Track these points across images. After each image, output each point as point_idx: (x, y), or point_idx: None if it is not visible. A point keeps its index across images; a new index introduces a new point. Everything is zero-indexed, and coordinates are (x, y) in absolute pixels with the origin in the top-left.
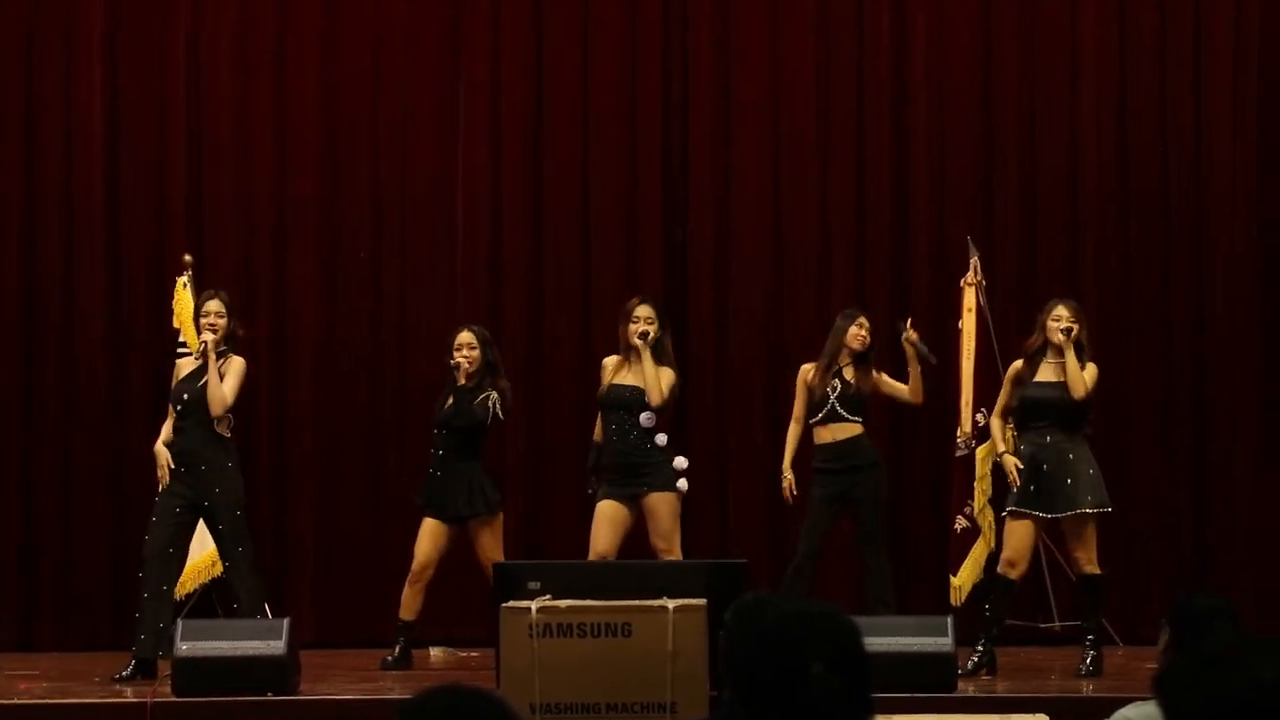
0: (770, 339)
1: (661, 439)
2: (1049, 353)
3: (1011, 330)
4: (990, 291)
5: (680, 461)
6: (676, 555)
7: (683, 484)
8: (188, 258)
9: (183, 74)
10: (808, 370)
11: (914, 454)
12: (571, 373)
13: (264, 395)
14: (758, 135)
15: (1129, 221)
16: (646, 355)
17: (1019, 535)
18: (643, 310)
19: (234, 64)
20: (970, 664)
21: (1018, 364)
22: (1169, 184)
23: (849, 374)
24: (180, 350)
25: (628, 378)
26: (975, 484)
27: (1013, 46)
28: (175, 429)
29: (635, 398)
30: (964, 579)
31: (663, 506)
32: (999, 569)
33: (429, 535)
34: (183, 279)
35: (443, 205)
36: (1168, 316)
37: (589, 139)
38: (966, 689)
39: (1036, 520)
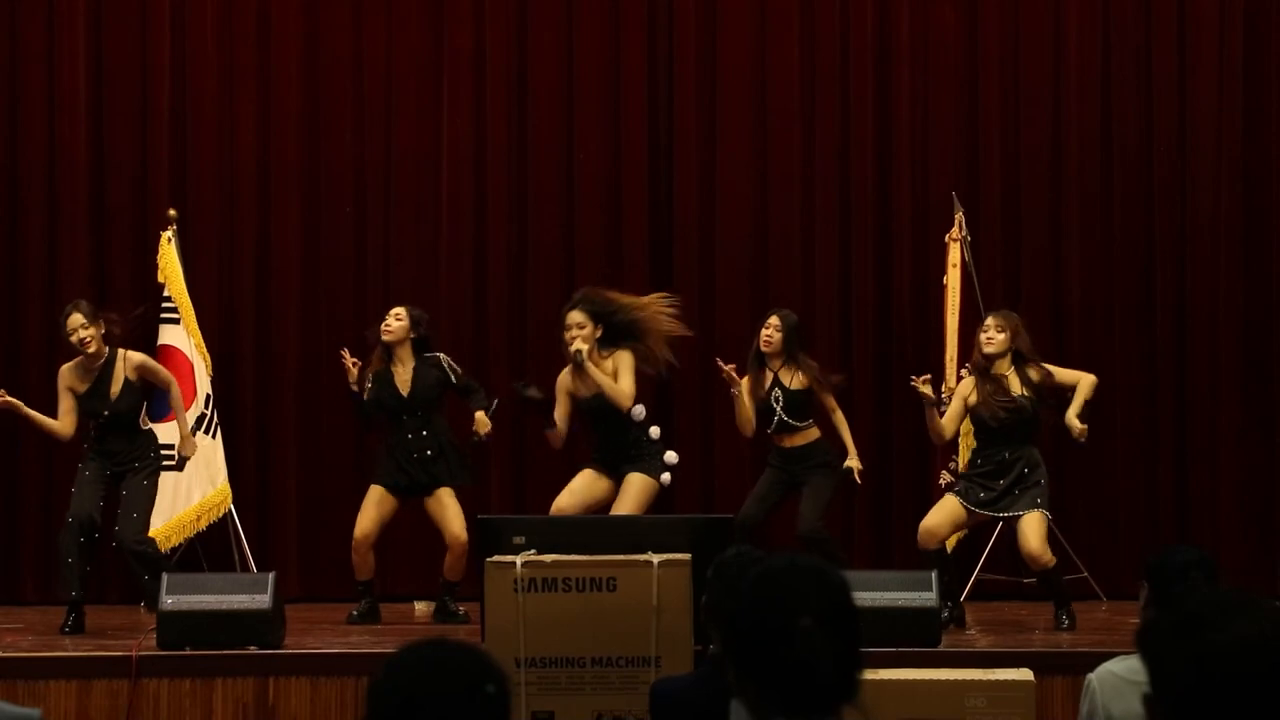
0: (755, 303)
1: (655, 432)
2: (995, 365)
3: (995, 292)
4: (975, 248)
5: (671, 456)
6: None
7: (666, 477)
8: (172, 212)
9: (167, 43)
10: (745, 383)
11: (898, 410)
12: (555, 340)
13: (249, 352)
14: (742, 101)
15: (1112, 188)
16: (594, 372)
17: (946, 511)
18: (572, 317)
19: (217, 34)
20: None
21: (969, 383)
22: (1152, 148)
23: (786, 378)
24: (165, 305)
25: (588, 389)
26: (959, 440)
27: (996, 8)
28: (97, 438)
29: (610, 405)
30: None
31: (638, 485)
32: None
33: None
34: (167, 234)
35: (426, 173)
36: (1151, 283)
37: (573, 107)
38: (951, 644)
39: (972, 513)
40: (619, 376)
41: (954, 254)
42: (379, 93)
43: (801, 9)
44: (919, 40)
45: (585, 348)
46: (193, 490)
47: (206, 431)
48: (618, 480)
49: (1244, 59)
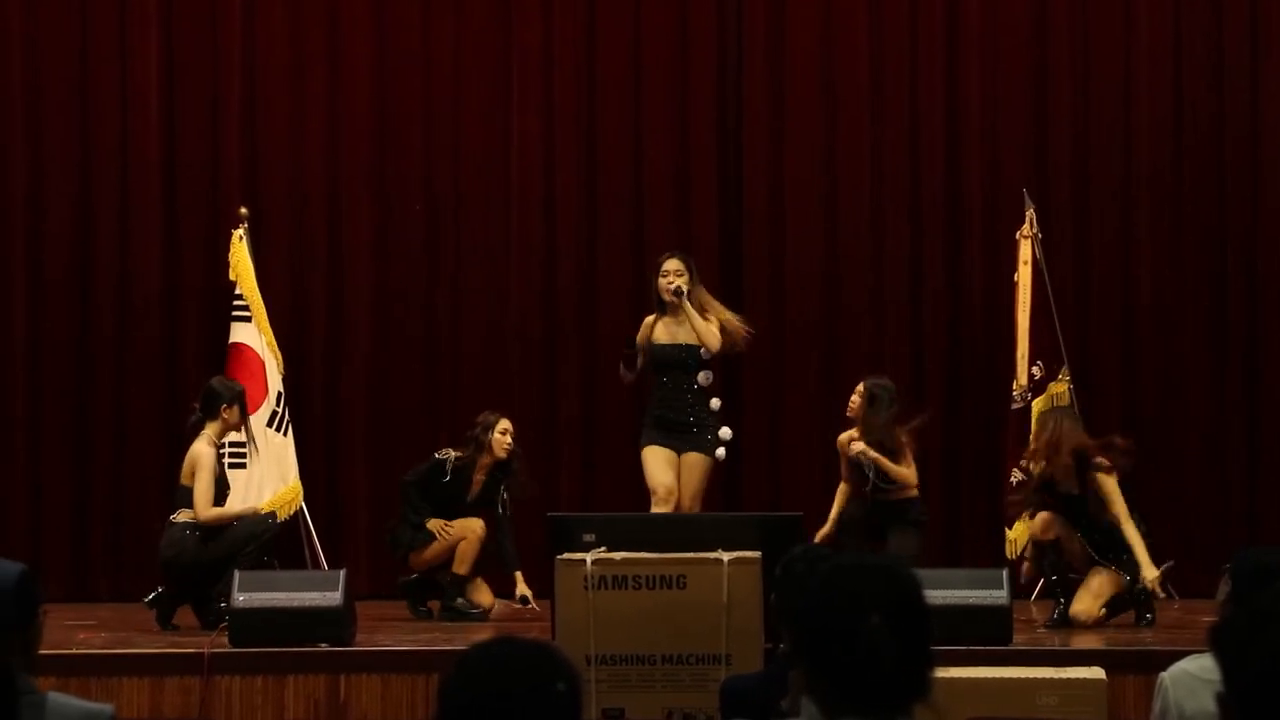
0: (826, 296)
1: (715, 403)
2: None
3: (1067, 288)
4: (1045, 244)
5: (725, 432)
6: None
7: (721, 453)
8: (243, 210)
9: (238, 32)
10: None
11: (969, 406)
12: (625, 334)
13: (319, 351)
14: (811, 95)
15: (1183, 180)
16: (688, 309)
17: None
18: (670, 264)
19: (288, 33)
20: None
21: None
22: (1224, 137)
23: None
24: (237, 303)
25: (676, 336)
26: (1031, 436)
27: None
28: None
29: (685, 357)
30: (1019, 532)
31: (699, 467)
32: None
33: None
34: (238, 232)
35: (495, 171)
36: (1223, 277)
37: (641, 104)
38: (1023, 643)
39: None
40: (710, 325)
41: (1025, 251)
42: (447, 90)
43: (869, 9)
44: (988, 32)
45: (687, 287)
46: (264, 488)
47: (278, 429)
48: (675, 451)
49: None
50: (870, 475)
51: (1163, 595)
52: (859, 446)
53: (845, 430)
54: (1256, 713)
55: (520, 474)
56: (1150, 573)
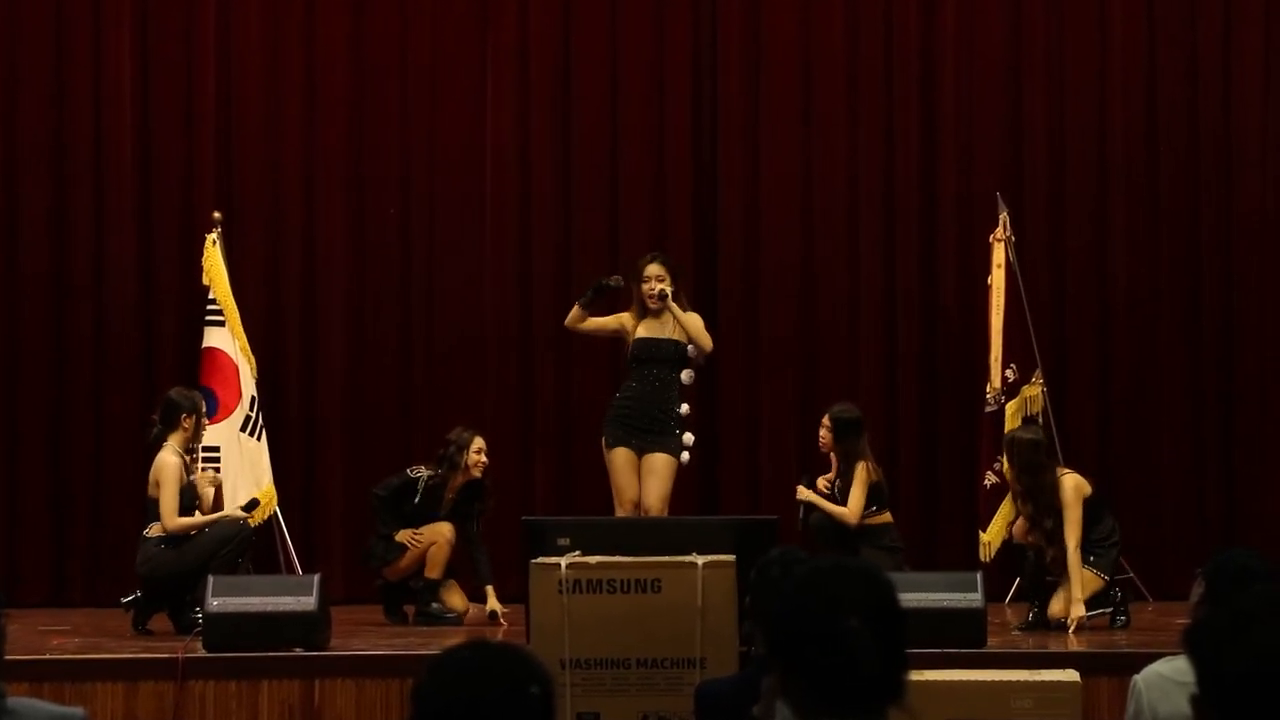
0: (801, 299)
1: (685, 408)
2: None
3: (1042, 288)
4: (1019, 247)
5: (689, 437)
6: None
7: (685, 457)
8: (217, 214)
9: (212, 35)
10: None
11: (943, 409)
12: (599, 338)
13: (294, 354)
14: (786, 96)
15: (1158, 178)
16: (675, 310)
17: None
18: (652, 269)
19: (263, 27)
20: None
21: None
22: (1199, 137)
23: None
24: (210, 307)
25: (661, 332)
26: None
27: (1041, 2)
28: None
29: (671, 351)
30: (993, 535)
31: (666, 469)
32: None
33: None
34: (212, 236)
35: (471, 171)
36: (1198, 276)
37: (617, 102)
38: (997, 645)
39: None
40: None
41: (998, 254)
42: (424, 93)
43: (845, 10)
44: (963, 36)
45: (670, 290)
46: (239, 493)
47: (251, 434)
48: (638, 452)
49: None
50: (800, 515)
51: (1070, 630)
52: (803, 494)
53: (819, 438)
54: (1236, 714)
55: (487, 492)
56: (1078, 611)
